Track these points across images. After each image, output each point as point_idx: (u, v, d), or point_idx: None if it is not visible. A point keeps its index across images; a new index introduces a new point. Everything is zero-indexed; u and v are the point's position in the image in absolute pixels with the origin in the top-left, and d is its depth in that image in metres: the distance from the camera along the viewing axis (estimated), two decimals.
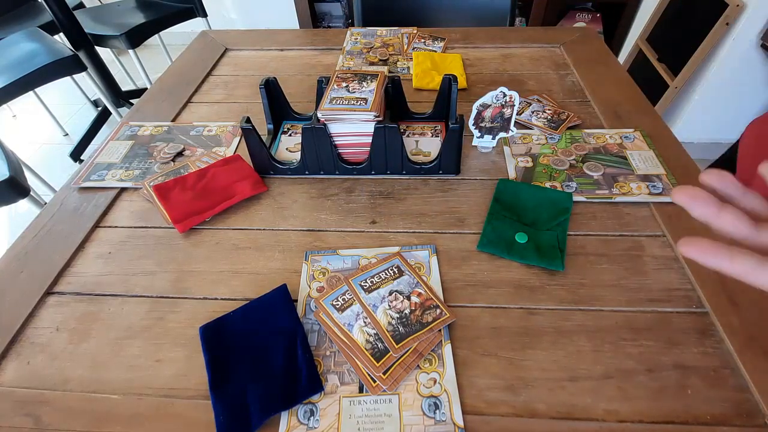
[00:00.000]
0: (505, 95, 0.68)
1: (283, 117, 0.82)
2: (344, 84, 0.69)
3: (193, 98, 0.92)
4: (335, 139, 0.67)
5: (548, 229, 0.59)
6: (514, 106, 0.69)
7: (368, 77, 0.70)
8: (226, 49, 1.10)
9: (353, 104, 0.64)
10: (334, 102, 0.65)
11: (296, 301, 0.54)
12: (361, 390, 0.45)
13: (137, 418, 0.44)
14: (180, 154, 0.76)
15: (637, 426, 0.42)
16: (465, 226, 0.62)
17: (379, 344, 0.48)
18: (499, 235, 0.59)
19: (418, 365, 0.47)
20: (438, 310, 0.51)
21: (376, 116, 0.64)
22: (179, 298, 0.55)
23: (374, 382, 0.45)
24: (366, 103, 0.64)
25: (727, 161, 0.74)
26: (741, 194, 0.24)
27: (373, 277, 0.54)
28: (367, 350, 0.47)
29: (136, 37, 1.76)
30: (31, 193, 1.09)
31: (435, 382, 0.46)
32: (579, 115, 0.81)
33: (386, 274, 0.55)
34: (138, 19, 1.81)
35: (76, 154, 1.97)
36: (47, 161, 2.08)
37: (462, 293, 0.54)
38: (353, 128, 0.66)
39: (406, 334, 0.48)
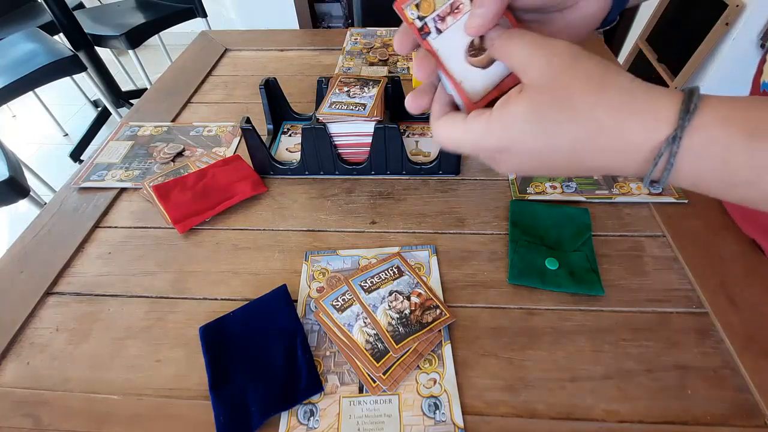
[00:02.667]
0: None
1: (283, 117, 0.82)
2: (346, 88, 0.69)
3: (193, 98, 0.92)
4: (335, 139, 0.67)
5: (575, 250, 0.57)
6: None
7: (370, 83, 0.70)
8: (226, 49, 1.10)
9: (351, 109, 0.64)
10: (333, 106, 0.65)
11: (296, 301, 0.54)
12: (361, 390, 0.45)
13: (137, 418, 0.44)
14: (180, 154, 0.76)
15: (637, 426, 0.42)
16: (465, 226, 0.62)
17: (379, 344, 0.48)
18: (528, 264, 0.55)
19: (418, 365, 0.47)
20: (438, 311, 0.51)
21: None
22: (179, 298, 0.55)
23: (374, 382, 0.45)
24: (364, 109, 0.64)
25: None
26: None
27: (373, 277, 0.54)
28: (367, 350, 0.47)
29: (136, 38, 1.76)
30: (31, 193, 1.09)
31: (435, 382, 0.46)
32: None
33: (386, 274, 0.55)
34: (138, 19, 1.81)
35: (76, 155, 1.97)
36: (47, 161, 2.08)
37: (462, 293, 0.54)
38: (353, 128, 0.66)
39: (406, 334, 0.48)
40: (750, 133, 0.22)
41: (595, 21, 0.32)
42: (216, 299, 0.55)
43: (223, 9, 2.63)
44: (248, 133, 0.66)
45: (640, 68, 1.87)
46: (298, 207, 0.66)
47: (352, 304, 0.52)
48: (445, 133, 0.29)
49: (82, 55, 1.74)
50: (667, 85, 1.71)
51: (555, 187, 0.66)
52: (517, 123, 0.25)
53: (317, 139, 0.66)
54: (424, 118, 0.80)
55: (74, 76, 1.67)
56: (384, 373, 0.46)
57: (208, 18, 1.90)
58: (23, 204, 1.09)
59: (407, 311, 0.51)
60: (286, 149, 0.77)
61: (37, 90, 1.64)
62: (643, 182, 0.25)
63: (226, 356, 0.48)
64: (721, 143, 0.22)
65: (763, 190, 0.22)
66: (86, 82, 1.60)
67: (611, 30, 2.11)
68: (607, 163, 0.25)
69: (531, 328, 0.50)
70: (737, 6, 1.44)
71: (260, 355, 0.48)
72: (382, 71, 0.97)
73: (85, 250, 0.61)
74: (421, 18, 0.29)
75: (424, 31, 0.29)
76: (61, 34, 1.79)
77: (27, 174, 1.16)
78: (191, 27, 1.85)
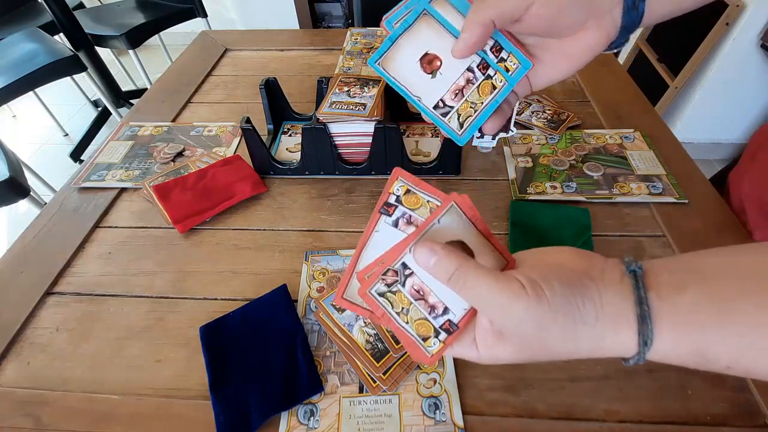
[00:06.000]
0: None
1: (283, 117, 0.82)
2: (346, 88, 0.69)
3: (193, 98, 0.92)
4: (335, 139, 0.67)
5: None
6: (514, 106, 0.69)
7: (370, 82, 0.70)
8: (226, 49, 1.10)
9: (351, 109, 0.64)
10: (333, 106, 0.65)
11: (296, 301, 0.54)
12: (361, 390, 0.45)
13: (137, 418, 0.44)
14: (180, 154, 0.76)
15: (638, 426, 0.42)
16: None
17: (379, 344, 0.48)
18: None
19: (418, 365, 0.47)
20: None
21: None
22: (179, 298, 0.55)
23: (374, 382, 0.45)
24: (364, 109, 0.64)
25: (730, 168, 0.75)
26: None
27: None
28: (367, 350, 0.47)
29: (136, 37, 1.76)
30: (31, 193, 1.09)
31: (435, 382, 0.46)
32: (579, 115, 0.81)
33: None
34: (138, 19, 1.80)
35: (76, 155, 1.97)
36: (47, 161, 2.08)
37: None
38: (353, 128, 0.66)
39: None
40: (698, 358, 0.25)
41: (596, 50, 0.32)
42: (216, 299, 0.55)
43: (223, 9, 2.63)
44: (248, 133, 0.66)
45: (640, 68, 1.87)
46: (298, 207, 0.66)
47: None
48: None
49: (82, 55, 1.74)
50: (667, 85, 1.71)
51: (555, 187, 0.66)
52: (506, 357, 0.27)
53: (317, 139, 0.66)
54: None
55: (74, 76, 1.67)
56: (384, 373, 0.46)
57: (208, 18, 1.90)
58: (23, 204, 1.09)
59: None
60: (286, 149, 0.77)
61: (37, 90, 1.64)
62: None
63: (226, 356, 0.48)
64: (679, 360, 0.26)
65: (721, 371, 0.26)
66: (86, 82, 1.60)
67: None
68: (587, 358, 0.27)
69: None
70: (737, 6, 1.44)
71: (260, 355, 0.48)
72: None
73: (85, 250, 0.61)
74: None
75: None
76: (61, 34, 1.79)
77: (27, 174, 1.16)
78: (191, 27, 1.85)
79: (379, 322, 0.28)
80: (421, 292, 0.28)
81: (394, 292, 0.28)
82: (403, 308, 0.28)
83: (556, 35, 0.31)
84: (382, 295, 0.28)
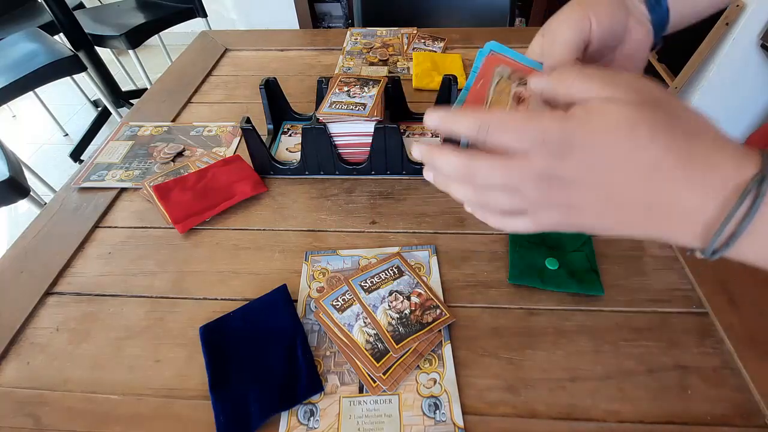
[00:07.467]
0: None
1: (283, 117, 0.82)
2: (346, 88, 0.69)
3: (193, 98, 0.92)
4: (335, 139, 0.67)
5: (575, 250, 0.57)
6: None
7: (370, 82, 0.70)
8: (226, 49, 1.10)
9: (351, 109, 0.64)
10: (333, 106, 0.65)
11: (296, 301, 0.54)
12: (361, 390, 0.45)
13: (137, 418, 0.44)
14: (180, 154, 0.76)
15: (638, 426, 0.42)
16: (465, 226, 0.62)
17: (379, 344, 0.48)
18: (528, 263, 0.55)
19: (418, 365, 0.47)
20: (438, 311, 0.51)
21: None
22: (179, 298, 0.55)
23: (374, 382, 0.45)
24: (364, 109, 0.64)
25: None
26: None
27: (373, 277, 0.54)
28: (367, 350, 0.47)
29: (136, 38, 1.76)
30: (31, 193, 1.09)
31: (435, 382, 0.46)
32: None
33: (386, 274, 0.55)
34: (138, 19, 1.81)
35: (76, 155, 1.97)
36: (47, 161, 2.08)
37: (462, 293, 0.54)
38: (353, 128, 0.66)
39: (406, 334, 0.48)
40: None
41: (645, 44, 0.35)
42: (216, 299, 0.55)
43: (223, 9, 2.63)
44: (248, 133, 0.66)
45: None
46: (298, 207, 0.66)
47: (352, 304, 0.52)
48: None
49: (82, 55, 1.74)
50: (667, 85, 1.71)
51: None
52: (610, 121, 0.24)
53: (317, 139, 0.66)
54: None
55: (74, 76, 1.67)
56: (384, 373, 0.46)
57: (208, 18, 1.90)
58: (23, 204, 1.09)
59: (407, 311, 0.51)
60: (286, 149, 0.77)
61: (37, 90, 1.64)
62: (707, 247, 0.24)
63: (226, 356, 0.48)
64: None
65: None
66: (86, 82, 1.60)
67: None
68: (682, 203, 0.23)
69: (531, 328, 0.50)
70: (737, 6, 1.44)
71: (260, 355, 0.48)
72: (382, 71, 0.97)
73: (85, 250, 0.61)
74: None
75: None
76: (61, 34, 1.79)
77: (27, 174, 1.16)
78: (191, 27, 1.85)
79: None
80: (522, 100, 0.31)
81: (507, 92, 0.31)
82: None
83: (614, 41, 0.34)
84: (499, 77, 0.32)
